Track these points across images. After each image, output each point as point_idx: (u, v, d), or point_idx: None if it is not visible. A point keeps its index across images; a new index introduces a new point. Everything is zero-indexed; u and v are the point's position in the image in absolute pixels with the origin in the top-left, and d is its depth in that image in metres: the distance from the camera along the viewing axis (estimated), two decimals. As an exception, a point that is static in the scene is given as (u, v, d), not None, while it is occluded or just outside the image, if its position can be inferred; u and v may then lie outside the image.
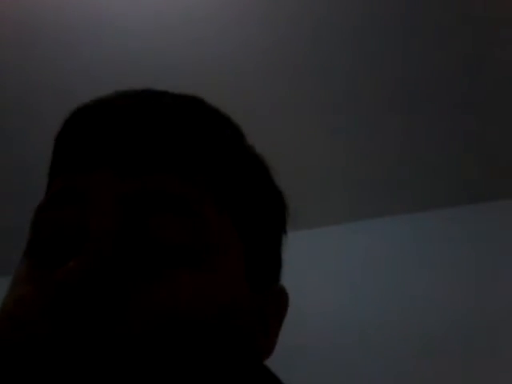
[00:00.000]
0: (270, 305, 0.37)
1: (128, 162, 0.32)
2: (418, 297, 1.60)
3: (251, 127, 0.45)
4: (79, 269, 0.26)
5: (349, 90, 1.70)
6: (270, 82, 1.69)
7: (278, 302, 0.39)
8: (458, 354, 1.41)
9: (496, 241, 1.70)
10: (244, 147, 0.38)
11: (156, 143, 0.32)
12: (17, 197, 1.98)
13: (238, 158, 0.37)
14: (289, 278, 1.53)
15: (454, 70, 1.62)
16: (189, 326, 0.28)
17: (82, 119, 0.34)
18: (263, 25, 1.55)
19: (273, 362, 0.41)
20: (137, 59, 1.62)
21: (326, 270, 1.83)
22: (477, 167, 1.86)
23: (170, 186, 0.31)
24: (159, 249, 0.30)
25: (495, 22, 1.49)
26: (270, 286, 0.39)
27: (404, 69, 1.64)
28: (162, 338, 0.27)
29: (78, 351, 0.25)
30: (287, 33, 1.57)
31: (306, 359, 1.45)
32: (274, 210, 0.40)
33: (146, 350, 0.26)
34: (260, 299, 0.36)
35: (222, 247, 0.32)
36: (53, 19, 1.55)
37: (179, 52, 1.62)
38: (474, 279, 1.60)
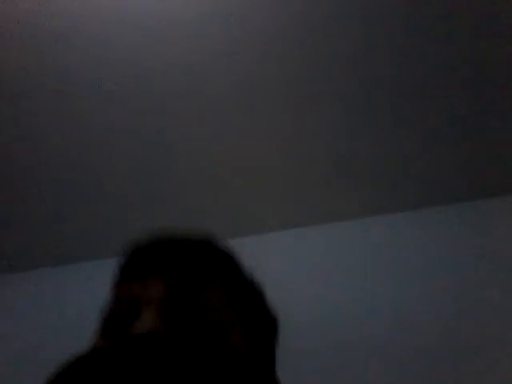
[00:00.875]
0: None
1: (171, 271, 0.54)
2: (417, 297, 1.61)
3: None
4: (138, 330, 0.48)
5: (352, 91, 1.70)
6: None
7: None
8: (461, 354, 1.40)
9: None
10: (245, 276, 0.62)
11: (188, 263, 0.56)
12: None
13: (239, 276, 0.61)
14: (289, 274, 1.50)
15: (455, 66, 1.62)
16: None
17: (141, 253, 0.59)
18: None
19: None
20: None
21: (321, 267, 1.83)
22: (477, 164, 1.86)
23: (195, 287, 0.53)
24: (189, 321, 0.50)
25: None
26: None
27: (407, 66, 1.64)
28: None
29: None
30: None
31: (303, 361, 1.45)
32: (267, 327, 0.60)
33: None
34: None
35: (225, 326, 0.52)
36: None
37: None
38: (472, 278, 1.61)
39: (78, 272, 2.08)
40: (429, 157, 1.83)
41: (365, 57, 1.62)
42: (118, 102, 1.73)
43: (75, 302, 1.95)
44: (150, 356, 0.39)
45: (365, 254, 1.83)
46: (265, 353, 0.58)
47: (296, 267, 1.88)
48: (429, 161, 1.85)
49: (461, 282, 1.61)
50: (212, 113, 1.80)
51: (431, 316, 1.53)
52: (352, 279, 1.74)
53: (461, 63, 1.61)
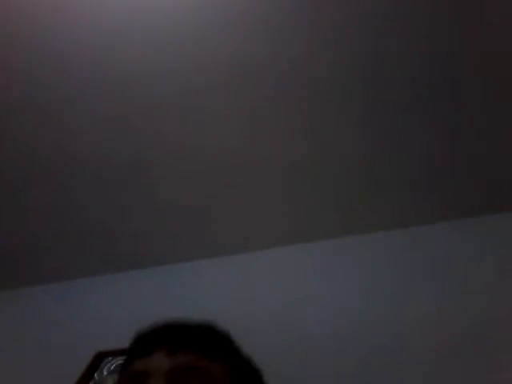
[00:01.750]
0: None
1: (175, 346, 0.59)
2: (423, 309, 1.60)
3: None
4: None
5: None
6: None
7: None
8: (462, 369, 1.39)
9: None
10: (243, 355, 0.68)
11: (192, 339, 0.61)
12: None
13: (239, 351, 0.67)
14: (293, 290, 1.49)
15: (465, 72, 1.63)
16: None
17: (147, 332, 0.65)
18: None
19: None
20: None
21: (330, 282, 1.83)
22: (477, 180, 1.86)
23: (198, 361, 0.58)
24: None
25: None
26: None
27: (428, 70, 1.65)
28: None
29: None
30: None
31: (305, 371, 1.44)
32: None
33: None
34: None
35: None
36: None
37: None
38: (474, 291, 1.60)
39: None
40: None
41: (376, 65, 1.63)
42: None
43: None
44: None
45: (364, 270, 1.83)
46: None
47: (299, 279, 1.87)
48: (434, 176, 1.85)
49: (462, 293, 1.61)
50: (217, 123, 1.80)
51: (433, 332, 1.52)
52: (352, 298, 1.74)
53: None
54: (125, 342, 1.69)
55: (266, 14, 1.58)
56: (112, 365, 1.66)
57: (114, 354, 1.69)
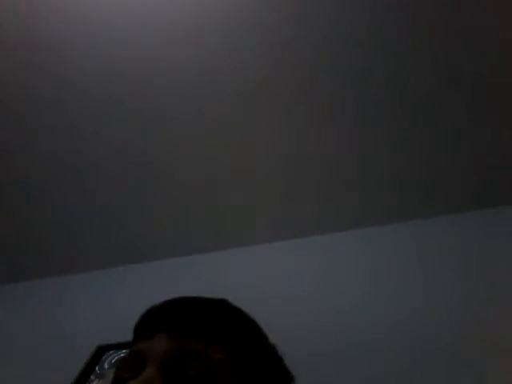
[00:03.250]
0: None
1: (175, 329, 0.58)
2: (418, 307, 1.60)
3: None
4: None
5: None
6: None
7: None
8: (460, 366, 1.39)
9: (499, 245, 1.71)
10: (256, 334, 0.64)
11: (192, 323, 0.58)
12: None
13: (248, 336, 0.62)
14: (286, 286, 1.48)
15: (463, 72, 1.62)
16: None
17: (151, 313, 0.63)
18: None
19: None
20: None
21: (323, 278, 1.83)
22: (478, 174, 1.86)
23: (196, 346, 0.56)
24: (186, 378, 0.53)
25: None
26: None
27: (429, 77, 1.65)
28: None
29: None
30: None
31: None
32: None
33: None
34: None
35: None
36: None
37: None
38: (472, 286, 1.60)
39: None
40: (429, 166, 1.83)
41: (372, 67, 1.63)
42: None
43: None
44: None
45: (364, 264, 1.83)
46: None
47: (296, 277, 1.87)
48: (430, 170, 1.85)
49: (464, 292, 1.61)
50: (217, 123, 1.81)
51: (434, 328, 1.52)
52: (352, 291, 1.74)
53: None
54: (126, 336, 1.70)
55: (264, 17, 1.57)
56: (113, 358, 1.66)
57: (116, 347, 1.69)
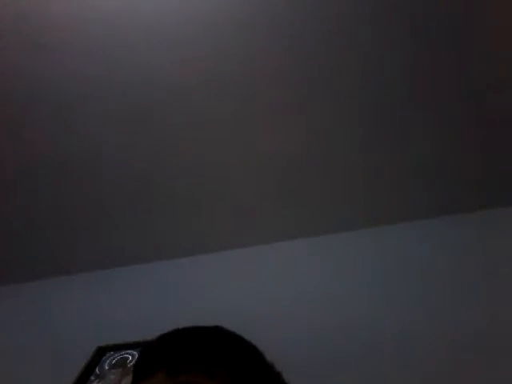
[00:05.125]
0: None
1: (173, 367, 0.58)
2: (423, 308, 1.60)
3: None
4: None
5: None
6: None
7: None
8: (467, 370, 1.38)
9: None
10: (257, 359, 0.65)
11: (190, 358, 0.58)
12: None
13: (249, 364, 0.62)
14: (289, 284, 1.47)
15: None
16: None
17: (148, 351, 0.63)
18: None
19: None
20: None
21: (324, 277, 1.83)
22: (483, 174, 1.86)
23: (195, 380, 0.56)
24: None
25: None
26: None
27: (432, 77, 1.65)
28: None
29: None
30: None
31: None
32: None
33: None
34: None
35: None
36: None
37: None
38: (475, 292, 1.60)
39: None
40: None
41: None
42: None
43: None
44: None
45: (363, 264, 1.83)
46: None
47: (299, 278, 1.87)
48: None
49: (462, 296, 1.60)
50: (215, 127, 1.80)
51: (439, 329, 1.52)
52: (352, 293, 1.74)
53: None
54: (126, 337, 1.70)
55: (265, 13, 1.57)
56: (113, 359, 1.66)
57: (115, 348, 1.69)
